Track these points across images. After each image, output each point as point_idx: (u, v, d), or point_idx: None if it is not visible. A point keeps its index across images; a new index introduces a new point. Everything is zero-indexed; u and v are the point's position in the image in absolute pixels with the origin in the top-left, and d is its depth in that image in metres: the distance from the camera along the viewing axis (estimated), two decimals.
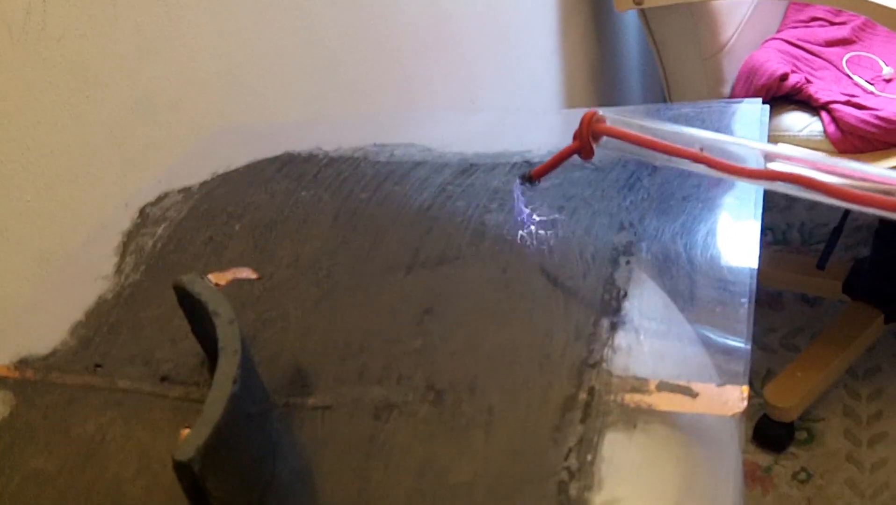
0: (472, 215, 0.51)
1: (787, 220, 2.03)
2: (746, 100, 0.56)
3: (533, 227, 0.52)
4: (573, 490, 0.36)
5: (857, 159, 1.33)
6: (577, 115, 0.47)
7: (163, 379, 0.46)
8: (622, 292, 0.44)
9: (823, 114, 1.40)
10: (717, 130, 0.52)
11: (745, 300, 0.42)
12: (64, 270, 0.59)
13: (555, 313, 0.44)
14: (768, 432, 1.57)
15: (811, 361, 1.58)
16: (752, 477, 1.55)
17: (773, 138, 1.47)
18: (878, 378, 1.64)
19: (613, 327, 0.42)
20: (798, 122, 1.42)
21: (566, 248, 0.47)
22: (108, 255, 0.56)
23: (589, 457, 0.37)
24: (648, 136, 0.47)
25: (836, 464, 1.53)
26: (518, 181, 0.53)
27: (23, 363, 0.49)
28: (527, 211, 0.52)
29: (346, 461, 0.40)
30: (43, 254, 0.65)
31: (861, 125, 1.33)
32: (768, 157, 0.43)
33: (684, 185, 0.49)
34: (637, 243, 0.46)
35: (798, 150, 0.41)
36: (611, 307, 0.44)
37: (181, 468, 0.35)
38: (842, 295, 1.69)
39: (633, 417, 0.38)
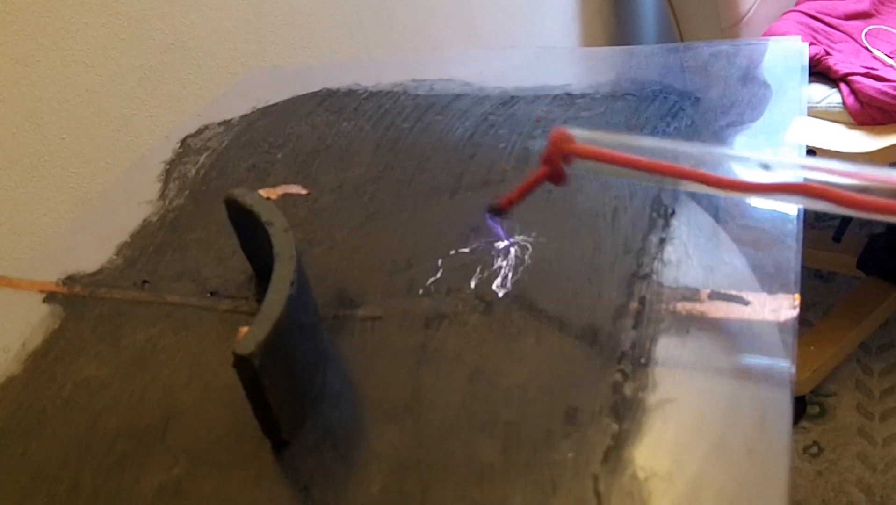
0: (515, 142, 0.52)
1: None
2: (785, 37, 0.56)
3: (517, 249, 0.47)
4: (628, 390, 0.36)
5: (876, 131, 1.34)
6: (620, 54, 0.47)
7: (211, 294, 0.47)
8: (670, 210, 0.44)
9: (842, 85, 1.40)
10: (755, 68, 0.51)
11: (792, 216, 0.42)
12: (107, 196, 0.60)
13: (602, 231, 0.44)
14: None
15: (824, 335, 1.59)
16: None
17: None
18: (891, 354, 1.65)
19: (662, 242, 0.43)
20: (817, 93, 1.42)
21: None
22: (151, 182, 0.56)
23: (643, 360, 0.37)
24: (631, 156, 0.40)
25: (847, 438, 1.53)
26: (486, 213, 0.48)
27: (70, 280, 0.49)
28: (508, 235, 0.47)
29: (398, 368, 0.40)
30: (77, 190, 0.66)
31: (880, 96, 1.33)
32: (770, 167, 0.38)
33: (729, 112, 0.50)
34: None
35: (801, 157, 0.37)
36: (658, 224, 0.44)
37: (242, 362, 0.35)
38: (856, 271, 1.69)
39: (686, 325, 0.39)
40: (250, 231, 0.45)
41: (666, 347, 0.38)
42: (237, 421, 0.39)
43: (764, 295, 0.39)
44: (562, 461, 0.34)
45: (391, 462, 0.36)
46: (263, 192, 0.45)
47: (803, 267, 1.24)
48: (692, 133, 0.46)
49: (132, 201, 0.55)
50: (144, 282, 0.48)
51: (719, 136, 0.48)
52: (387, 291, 0.44)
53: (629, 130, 0.48)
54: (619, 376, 0.37)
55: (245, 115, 0.60)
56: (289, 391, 0.38)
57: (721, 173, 0.38)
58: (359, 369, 0.41)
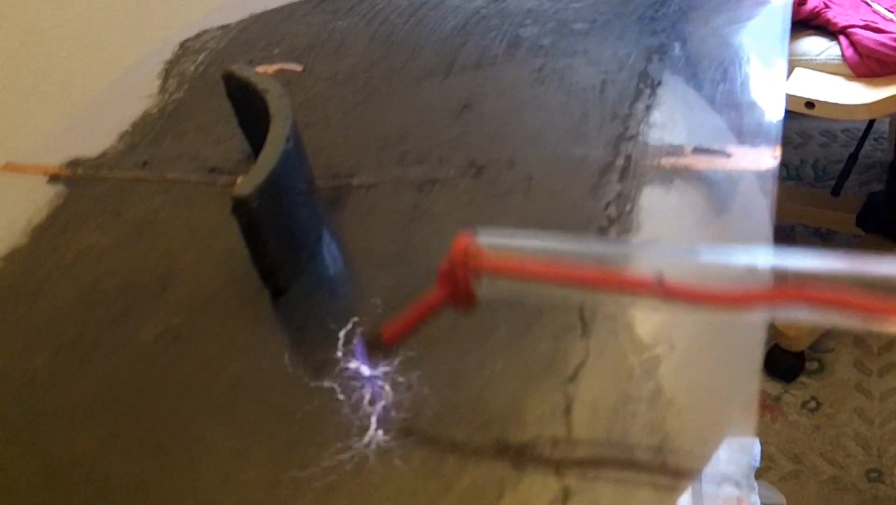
0: (506, 30, 0.53)
1: (800, 156, 2.04)
2: None
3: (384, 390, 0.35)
4: (612, 233, 0.37)
5: (874, 83, 1.34)
6: None
7: (211, 170, 0.48)
8: (656, 81, 0.46)
9: (842, 38, 1.41)
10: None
11: (776, 84, 0.44)
12: (106, 93, 0.61)
13: (590, 101, 0.45)
14: (779, 362, 1.58)
15: None
16: (762, 405, 1.56)
17: (791, 63, 1.47)
18: None
19: (648, 108, 0.44)
20: (816, 46, 1.43)
21: (600, 54, 0.48)
22: (151, 80, 0.58)
23: (628, 207, 0.38)
24: (573, 270, 0.29)
25: (845, 393, 1.54)
26: (359, 345, 0.36)
27: (73, 164, 0.51)
28: (376, 374, 0.35)
29: (390, 226, 0.41)
30: (79, 105, 0.67)
31: (879, 48, 1.34)
32: (757, 274, 0.28)
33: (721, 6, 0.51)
34: (670, 45, 0.48)
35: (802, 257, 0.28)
36: (645, 94, 0.45)
37: (240, 205, 0.36)
38: (855, 228, 1.69)
39: (670, 177, 0.40)
40: (248, 107, 0.46)
41: (650, 196, 0.39)
42: (235, 278, 0.41)
43: (745, 148, 0.40)
44: None
45: (384, 297, 0.37)
46: (260, 69, 0.46)
47: (802, 225, 1.25)
48: (680, 20, 0.48)
49: (132, 96, 0.56)
50: (145, 163, 0.49)
51: (705, 17, 0.49)
52: (380, 162, 0.45)
53: (619, 20, 0.49)
54: (604, 222, 0.38)
55: (242, 20, 0.61)
56: (285, 239, 0.39)
57: (680, 281, 0.28)
58: (353, 229, 0.42)
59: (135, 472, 0.33)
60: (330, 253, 0.40)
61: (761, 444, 1.51)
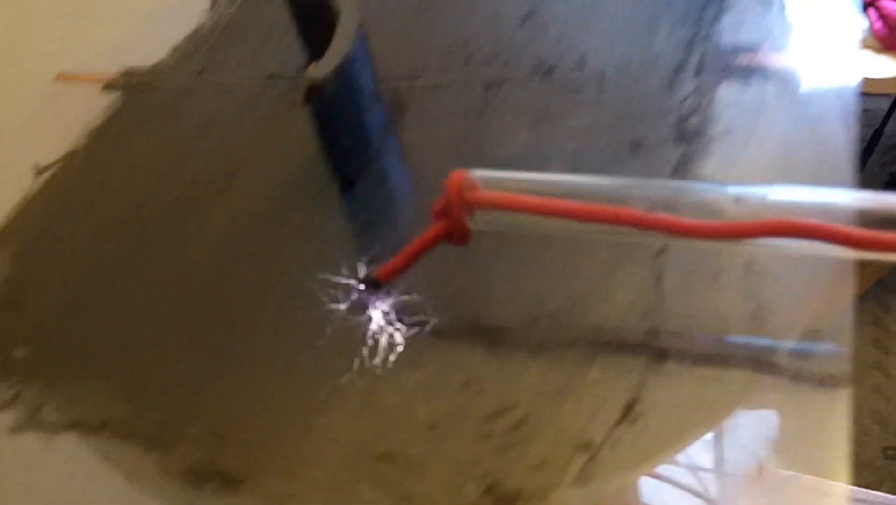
0: None
1: None
2: None
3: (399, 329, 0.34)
4: (692, 123, 0.37)
5: None
6: None
7: (269, 77, 0.47)
8: None
9: (871, 10, 1.41)
10: None
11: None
12: (159, 7, 0.60)
13: (660, 4, 0.45)
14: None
15: None
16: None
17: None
18: None
19: (721, 11, 0.43)
20: None
21: None
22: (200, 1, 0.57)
23: (705, 100, 0.38)
24: (560, 201, 0.29)
25: (863, 371, 1.54)
26: (358, 285, 0.36)
27: (128, 73, 0.50)
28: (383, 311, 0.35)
29: (459, 122, 0.41)
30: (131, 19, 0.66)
31: None
32: (742, 202, 0.28)
33: None
34: None
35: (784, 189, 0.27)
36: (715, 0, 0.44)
37: (314, 89, 0.36)
38: None
39: (746, 74, 0.39)
40: (309, 12, 0.45)
41: (728, 92, 0.39)
42: (302, 172, 0.40)
43: (824, 45, 0.40)
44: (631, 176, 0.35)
45: None
46: None
47: None
48: None
49: (184, 11, 0.55)
50: (201, 71, 0.49)
51: None
52: (444, 65, 0.45)
53: None
54: (682, 113, 0.38)
55: None
56: (355, 130, 0.39)
57: (678, 215, 0.28)
58: (420, 126, 0.41)
59: (212, 347, 0.33)
60: (397, 147, 0.40)
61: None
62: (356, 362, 0.31)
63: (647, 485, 0.61)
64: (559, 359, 0.29)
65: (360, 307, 0.34)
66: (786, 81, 0.39)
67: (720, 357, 0.29)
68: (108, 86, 0.49)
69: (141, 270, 0.37)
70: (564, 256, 0.33)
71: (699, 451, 1.17)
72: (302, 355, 0.32)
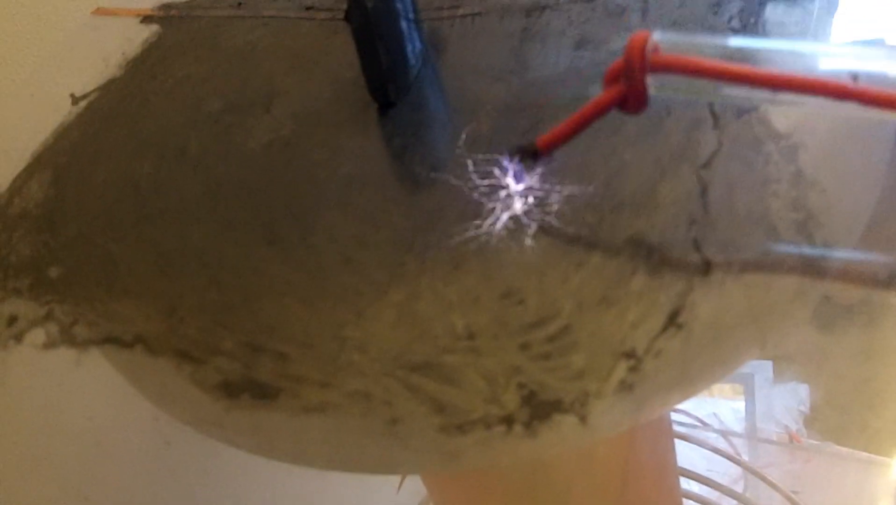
0: None
1: None
2: None
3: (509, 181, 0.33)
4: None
5: None
6: None
7: (308, 8, 0.47)
8: None
9: None
10: None
11: None
12: None
13: None
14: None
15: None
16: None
17: None
18: None
19: None
20: None
21: None
22: None
23: (752, 20, 0.37)
24: (754, 68, 0.27)
25: (894, 347, 1.52)
26: (511, 158, 0.33)
27: (166, 6, 0.50)
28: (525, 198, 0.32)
29: (501, 45, 0.40)
30: None
31: None
32: None
33: None
34: None
35: None
36: None
37: (356, 5, 0.35)
38: None
39: None
40: None
41: (774, 11, 0.37)
42: (342, 95, 0.40)
43: None
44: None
45: (499, 106, 0.36)
46: None
47: None
48: None
49: None
50: (239, 4, 0.48)
51: None
52: None
53: None
54: (728, 33, 0.37)
55: None
56: (395, 51, 0.38)
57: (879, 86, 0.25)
58: (461, 51, 0.41)
59: (250, 259, 0.32)
60: (437, 74, 0.39)
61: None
62: (394, 272, 0.30)
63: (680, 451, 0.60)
64: (601, 268, 0.29)
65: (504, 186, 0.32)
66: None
67: (767, 267, 0.28)
68: (146, 19, 0.49)
69: (178, 192, 0.36)
70: (606, 169, 0.32)
71: (732, 417, 1.16)
72: (338, 268, 0.31)
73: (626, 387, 0.26)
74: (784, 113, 0.33)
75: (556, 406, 0.26)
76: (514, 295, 0.29)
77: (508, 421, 0.26)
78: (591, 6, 0.41)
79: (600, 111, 0.30)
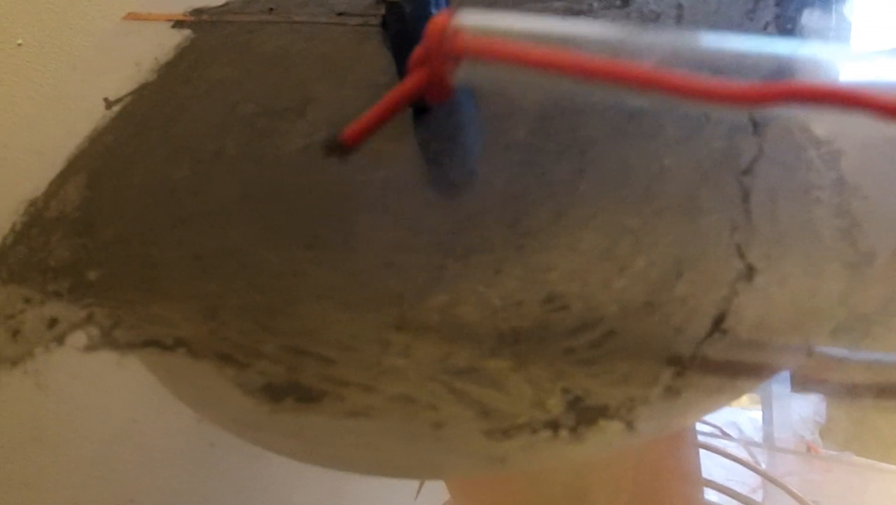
0: None
1: None
2: None
3: None
4: (771, 30, 0.36)
5: None
6: None
7: (339, 14, 0.47)
8: None
9: None
10: None
11: None
12: None
13: None
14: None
15: None
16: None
17: None
18: None
19: None
20: None
21: None
22: None
23: (789, 26, 0.37)
24: (556, 53, 0.24)
25: None
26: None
27: (198, 11, 0.50)
28: None
29: None
30: None
31: None
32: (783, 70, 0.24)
33: None
34: None
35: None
36: None
37: (394, 9, 0.35)
38: None
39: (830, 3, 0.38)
40: None
41: (810, 18, 0.37)
42: (376, 99, 0.39)
43: None
44: None
45: (535, 111, 0.36)
46: None
47: None
48: None
49: None
50: (271, 9, 0.48)
51: None
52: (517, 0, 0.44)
53: None
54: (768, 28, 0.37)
55: None
56: None
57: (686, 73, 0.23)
58: None
59: (290, 262, 0.33)
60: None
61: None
62: (435, 276, 0.30)
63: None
64: (644, 273, 0.29)
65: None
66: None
67: (811, 272, 0.28)
68: (178, 24, 0.49)
69: (215, 195, 0.36)
70: (646, 174, 0.32)
71: (749, 427, 1.16)
72: (378, 272, 0.31)
73: (672, 392, 0.26)
74: (825, 119, 0.33)
75: (601, 411, 0.26)
76: (557, 300, 0.29)
77: (554, 426, 0.26)
78: (625, 11, 0.41)
79: (403, 100, 0.28)
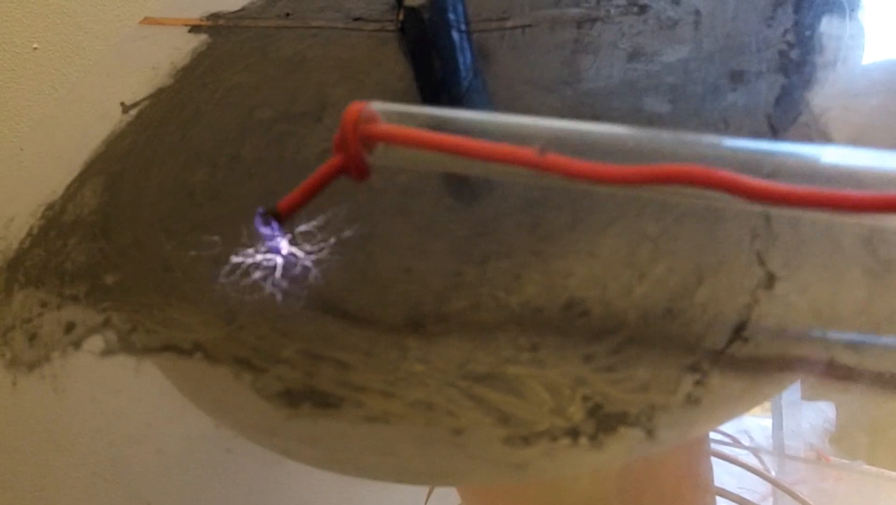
0: None
1: None
2: None
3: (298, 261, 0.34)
4: (794, 55, 0.36)
5: None
6: None
7: (356, 19, 0.47)
8: None
9: None
10: None
11: None
12: None
13: None
14: None
15: None
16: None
17: None
18: None
19: None
20: None
21: None
22: None
23: (807, 32, 0.37)
24: (454, 139, 0.28)
25: None
26: (259, 220, 0.33)
27: (214, 16, 0.50)
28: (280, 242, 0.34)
29: (551, 57, 0.40)
30: None
31: None
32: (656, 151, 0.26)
33: None
34: None
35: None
36: None
37: (412, 14, 0.35)
38: None
39: (852, 7, 0.38)
40: None
41: (829, 24, 0.37)
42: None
43: None
44: (732, 105, 0.34)
45: (554, 114, 0.36)
46: None
47: None
48: None
49: None
50: (287, 14, 0.48)
51: None
52: (533, 5, 0.44)
53: None
54: (783, 46, 0.37)
55: None
56: (448, 62, 0.38)
57: (567, 157, 0.26)
58: (511, 63, 0.41)
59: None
60: (487, 86, 0.39)
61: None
62: (454, 282, 0.30)
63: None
64: (665, 280, 0.29)
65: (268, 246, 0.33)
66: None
67: (831, 280, 0.28)
68: (194, 29, 0.49)
69: (233, 199, 0.36)
70: None
71: (760, 435, 1.15)
72: (397, 277, 0.31)
73: (692, 401, 0.26)
74: (844, 123, 0.32)
75: (622, 419, 0.26)
76: (577, 306, 0.29)
77: (574, 433, 0.26)
78: (642, 18, 0.41)
79: (326, 179, 0.31)
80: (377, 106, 0.29)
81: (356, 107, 0.29)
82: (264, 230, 0.33)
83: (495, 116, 0.29)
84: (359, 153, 0.29)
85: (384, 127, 0.29)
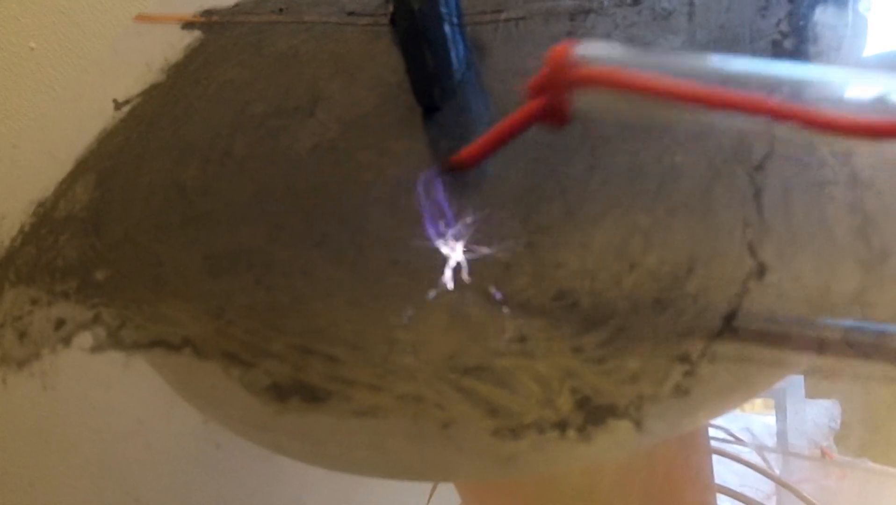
0: None
1: None
2: None
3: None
4: (787, 45, 0.36)
5: None
6: None
7: (350, 13, 0.47)
8: None
9: None
10: None
11: None
12: None
13: None
14: None
15: None
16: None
17: None
18: None
19: None
20: None
21: None
22: None
23: (801, 23, 0.37)
24: (683, 84, 0.25)
25: None
26: (434, 173, 0.32)
27: (208, 12, 0.50)
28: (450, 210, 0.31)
29: (545, 50, 0.40)
30: None
31: None
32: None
33: None
34: None
35: None
36: None
37: (403, 6, 0.35)
38: None
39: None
40: None
41: (823, 14, 0.37)
42: (386, 100, 0.40)
43: None
44: None
45: None
46: None
47: None
48: None
49: None
50: (281, 10, 0.48)
51: None
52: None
53: None
54: (776, 36, 0.36)
55: None
56: (440, 54, 0.38)
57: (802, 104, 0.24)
58: (505, 55, 0.41)
59: (298, 261, 0.32)
60: (481, 78, 0.39)
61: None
62: (444, 277, 0.30)
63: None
64: (655, 271, 0.28)
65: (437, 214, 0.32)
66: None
67: (824, 270, 0.28)
68: (188, 25, 0.49)
69: (225, 194, 0.36)
70: (658, 171, 0.32)
71: (763, 433, 1.15)
72: (387, 270, 0.31)
73: (681, 391, 0.26)
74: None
75: (610, 410, 0.26)
76: (567, 297, 0.29)
77: (562, 426, 0.26)
78: (636, 10, 0.41)
79: (522, 125, 0.29)
80: (586, 48, 0.27)
81: (563, 49, 0.27)
82: (432, 183, 0.30)
83: (711, 60, 0.26)
84: (564, 98, 0.27)
85: (597, 69, 0.26)
